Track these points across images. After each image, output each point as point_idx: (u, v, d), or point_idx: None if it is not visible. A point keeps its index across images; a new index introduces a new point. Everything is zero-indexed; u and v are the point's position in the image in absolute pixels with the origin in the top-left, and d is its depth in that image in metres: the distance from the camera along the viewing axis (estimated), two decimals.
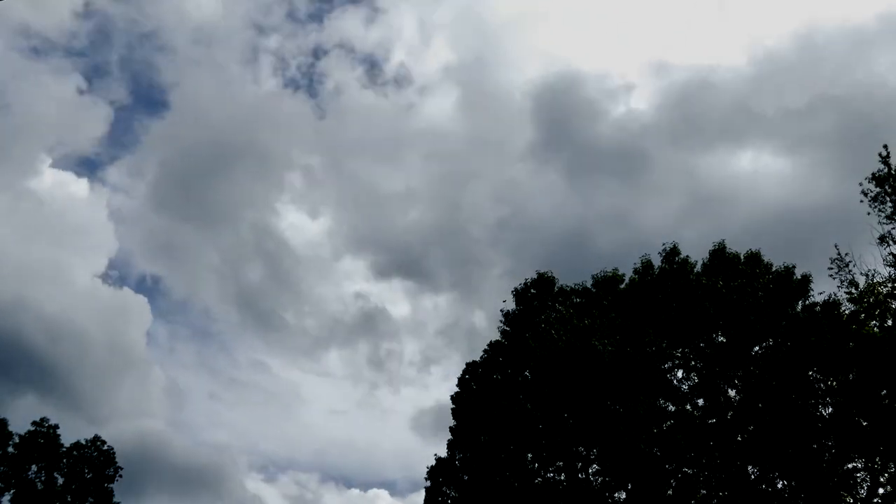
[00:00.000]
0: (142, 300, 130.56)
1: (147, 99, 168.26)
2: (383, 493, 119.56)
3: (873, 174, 29.44)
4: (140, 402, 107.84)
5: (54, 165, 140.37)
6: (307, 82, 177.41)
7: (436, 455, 45.90)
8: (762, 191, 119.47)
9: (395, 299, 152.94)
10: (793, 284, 40.50)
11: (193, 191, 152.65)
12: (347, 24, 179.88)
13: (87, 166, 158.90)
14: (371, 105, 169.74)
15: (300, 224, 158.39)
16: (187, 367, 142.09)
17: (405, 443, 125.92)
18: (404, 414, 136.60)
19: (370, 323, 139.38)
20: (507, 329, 47.50)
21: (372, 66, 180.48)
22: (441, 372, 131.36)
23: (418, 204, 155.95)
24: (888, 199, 29.18)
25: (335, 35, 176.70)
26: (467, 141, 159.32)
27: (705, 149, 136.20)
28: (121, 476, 62.44)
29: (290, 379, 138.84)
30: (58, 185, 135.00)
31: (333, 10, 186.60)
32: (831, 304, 37.09)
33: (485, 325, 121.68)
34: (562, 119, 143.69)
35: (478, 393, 45.26)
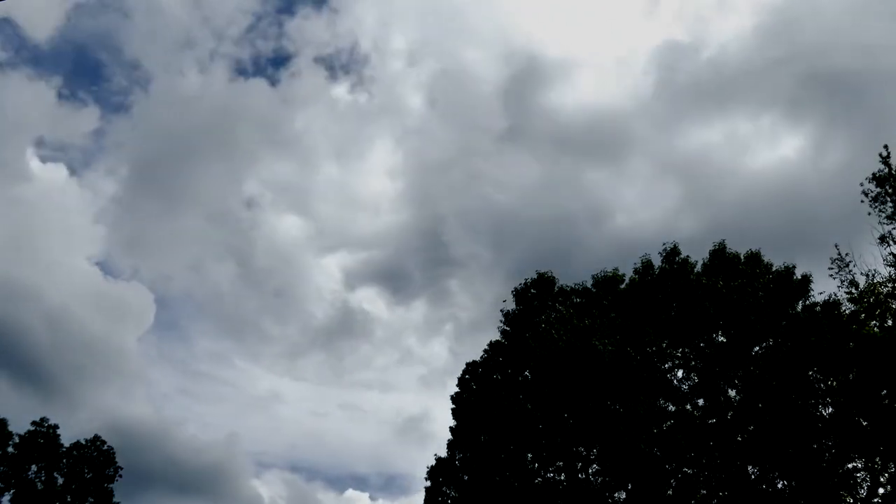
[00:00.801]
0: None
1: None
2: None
3: (873, 174, 29.47)
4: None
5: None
6: (270, 73, 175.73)
7: (436, 455, 45.96)
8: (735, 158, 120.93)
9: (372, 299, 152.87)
10: (793, 284, 40.53)
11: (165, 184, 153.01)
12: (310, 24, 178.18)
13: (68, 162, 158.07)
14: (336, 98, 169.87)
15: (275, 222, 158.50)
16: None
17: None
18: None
19: (346, 323, 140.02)
20: (507, 329, 47.52)
21: (337, 58, 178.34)
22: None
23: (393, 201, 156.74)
24: (888, 199, 29.21)
25: (300, 29, 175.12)
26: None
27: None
28: (121, 476, 62.60)
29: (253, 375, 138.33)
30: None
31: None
32: (831, 304, 37.11)
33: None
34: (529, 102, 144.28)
35: (478, 393, 45.28)
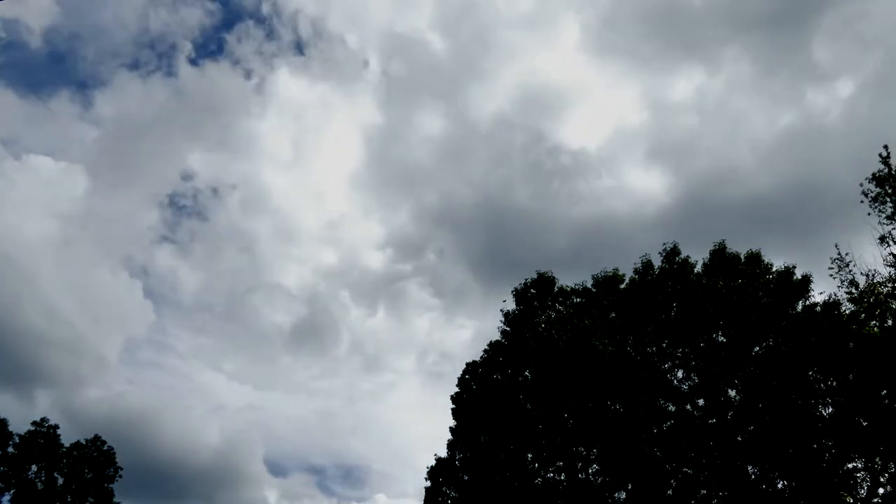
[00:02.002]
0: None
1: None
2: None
3: (873, 174, 29.42)
4: None
5: None
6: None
7: (436, 455, 45.96)
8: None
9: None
10: (793, 284, 40.51)
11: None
12: None
13: None
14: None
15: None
16: None
17: None
18: None
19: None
20: (507, 329, 47.48)
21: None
22: None
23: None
24: (888, 199, 29.17)
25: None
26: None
27: None
28: (121, 476, 62.61)
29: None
30: None
31: None
32: (831, 304, 37.10)
33: None
34: None
35: (478, 393, 45.25)
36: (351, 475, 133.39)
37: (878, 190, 29.39)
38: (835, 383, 35.97)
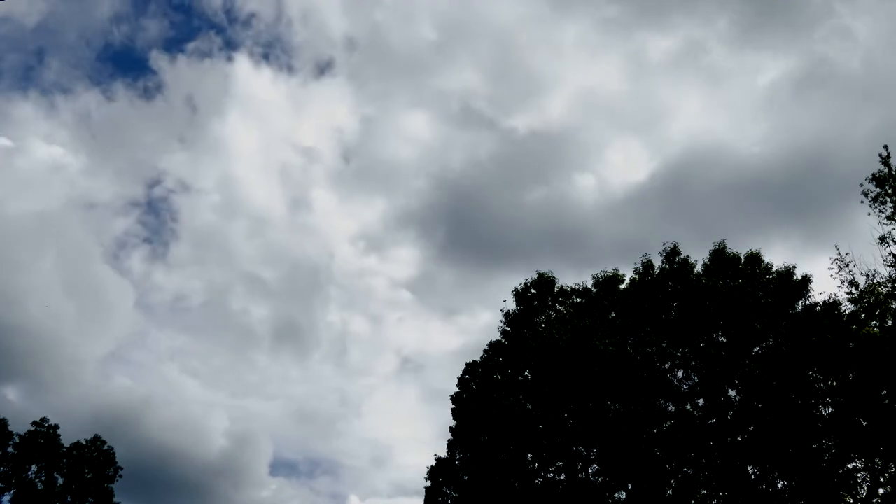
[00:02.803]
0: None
1: None
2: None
3: (873, 174, 29.45)
4: None
5: None
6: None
7: (436, 455, 45.96)
8: None
9: None
10: (793, 284, 40.54)
11: None
12: None
13: None
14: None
15: None
16: None
17: None
18: None
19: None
20: (508, 329, 47.50)
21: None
22: None
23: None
24: (888, 199, 29.19)
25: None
26: None
27: None
28: (121, 476, 62.65)
29: None
30: None
31: None
32: (831, 304, 37.13)
33: None
34: None
35: (478, 393, 45.25)
36: (326, 472, 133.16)
37: (878, 190, 29.42)
38: (835, 383, 35.97)
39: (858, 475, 35.57)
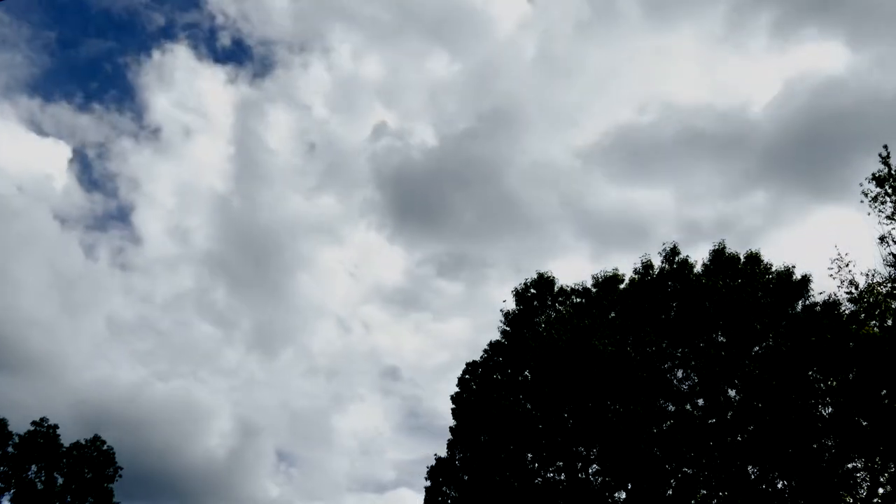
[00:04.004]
0: None
1: None
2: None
3: (873, 174, 29.40)
4: None
5: None
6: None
7: (436, 455, 45.98)
8: None
9: None
10: (792, 284, 40.55)
11: None
12: None
13: None
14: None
15: None
16: None
17: None
18: None
19: None
20: (508, 329, 47.52)
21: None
22: None
23: None
24: (888, 199, 29.17)
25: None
26: None
27: None
28: (121, 476, 62.67)
29: None
30: None
31: None
32: (831, 304, 37.14)
33: None
34: None
35: (478, 393, 45.27)
36: None
37: (878, 190, 29.38)
38: (835, 383, 35.97)
39: (858, 475, 35.58)
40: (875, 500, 34.66)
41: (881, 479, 34.81)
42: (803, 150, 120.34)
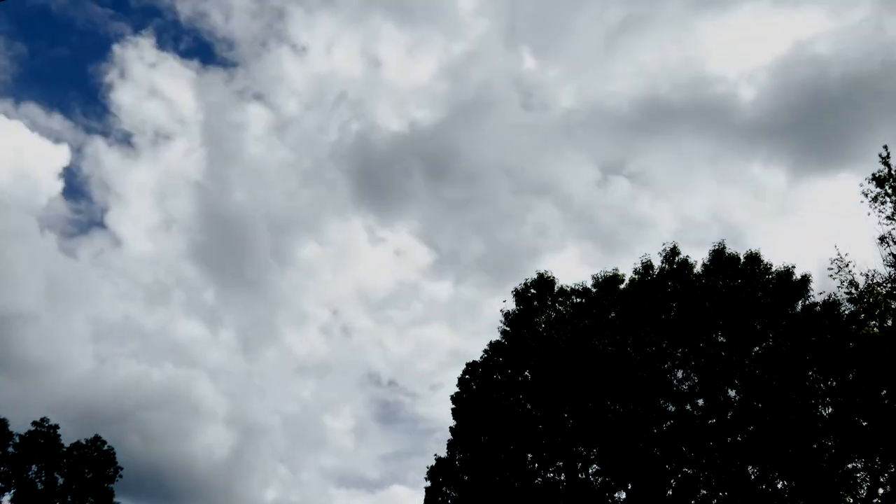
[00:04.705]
0: None
1: None
2: None
3: (873, 174, 29.40)
4: None
5: None
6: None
7: (436, 455, 45.97)
8: None
9: None
10: (792, 284, 40.54)
11: None
12: None
13: None
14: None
15: None
16: None
17: None
18: None
19: None
20: (508, 329, 47.51)
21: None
22: None
23: None
24: (888, 199, 29.16)
25: None
26: None
27: None
28: (121, 476, 62.69)
29: None
30: None
31: None
32: (831, 304, 37.12)
33: None
34: None
35: (478, 393, 45.26)
36: None
37: (878, 190, 29.37)
38: (835, 383, 35.97)
39: (858, 475, 35.58)
40: (875, 500, 34.66)
41: (881, 479, 34.81)
42: None
